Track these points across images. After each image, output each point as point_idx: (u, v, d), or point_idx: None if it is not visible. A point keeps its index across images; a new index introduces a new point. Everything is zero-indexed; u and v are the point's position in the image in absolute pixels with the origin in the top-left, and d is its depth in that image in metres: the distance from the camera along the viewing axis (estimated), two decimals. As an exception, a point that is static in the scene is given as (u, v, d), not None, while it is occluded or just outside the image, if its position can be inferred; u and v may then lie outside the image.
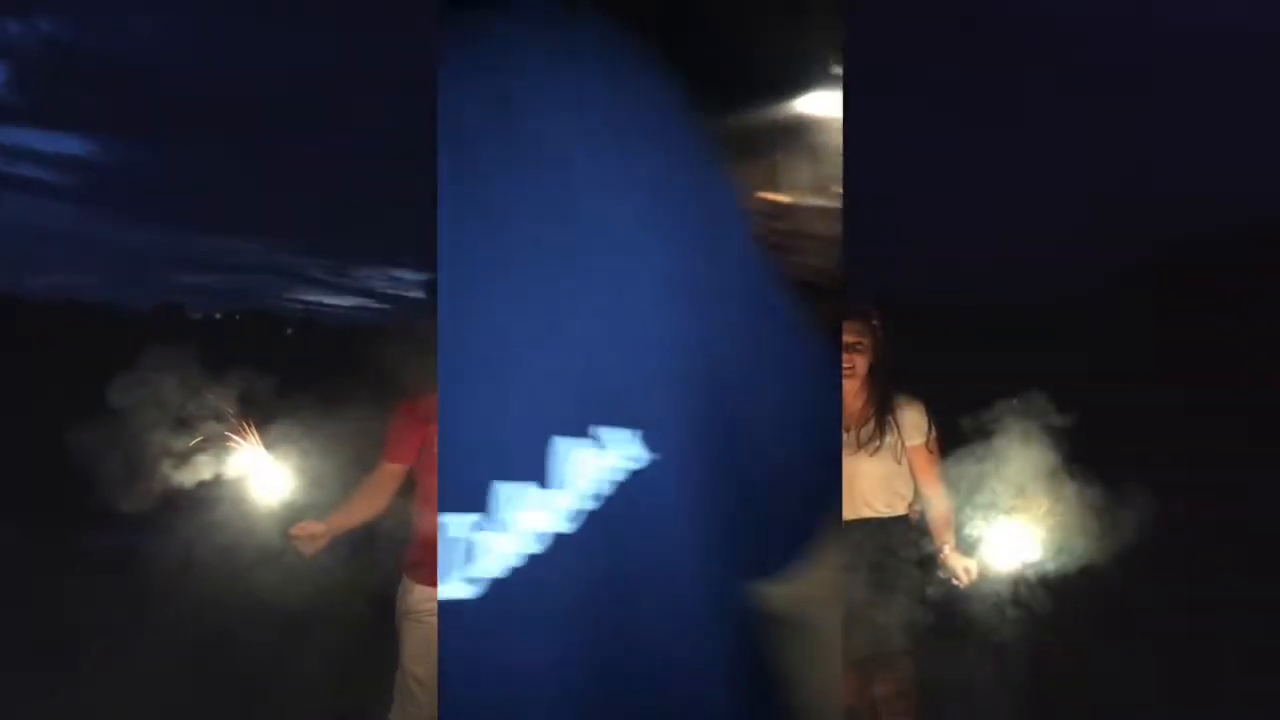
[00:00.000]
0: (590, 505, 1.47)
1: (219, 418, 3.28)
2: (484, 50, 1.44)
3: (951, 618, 3.30)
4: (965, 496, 3.25)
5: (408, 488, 3.44)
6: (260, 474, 3.34)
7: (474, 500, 1.43)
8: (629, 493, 1.49)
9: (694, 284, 1.48)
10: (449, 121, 1.42)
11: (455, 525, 1.45)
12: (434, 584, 3.36)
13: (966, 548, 3.31)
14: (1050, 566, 3.10)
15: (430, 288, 3.64)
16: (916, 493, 3.55)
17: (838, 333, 3.29)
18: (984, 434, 3.18)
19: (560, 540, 1.47)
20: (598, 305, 1.43)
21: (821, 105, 3.87)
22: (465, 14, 1.49)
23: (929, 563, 3.42)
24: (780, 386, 1.60)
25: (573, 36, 1.51)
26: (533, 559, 1.46)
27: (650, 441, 1.48)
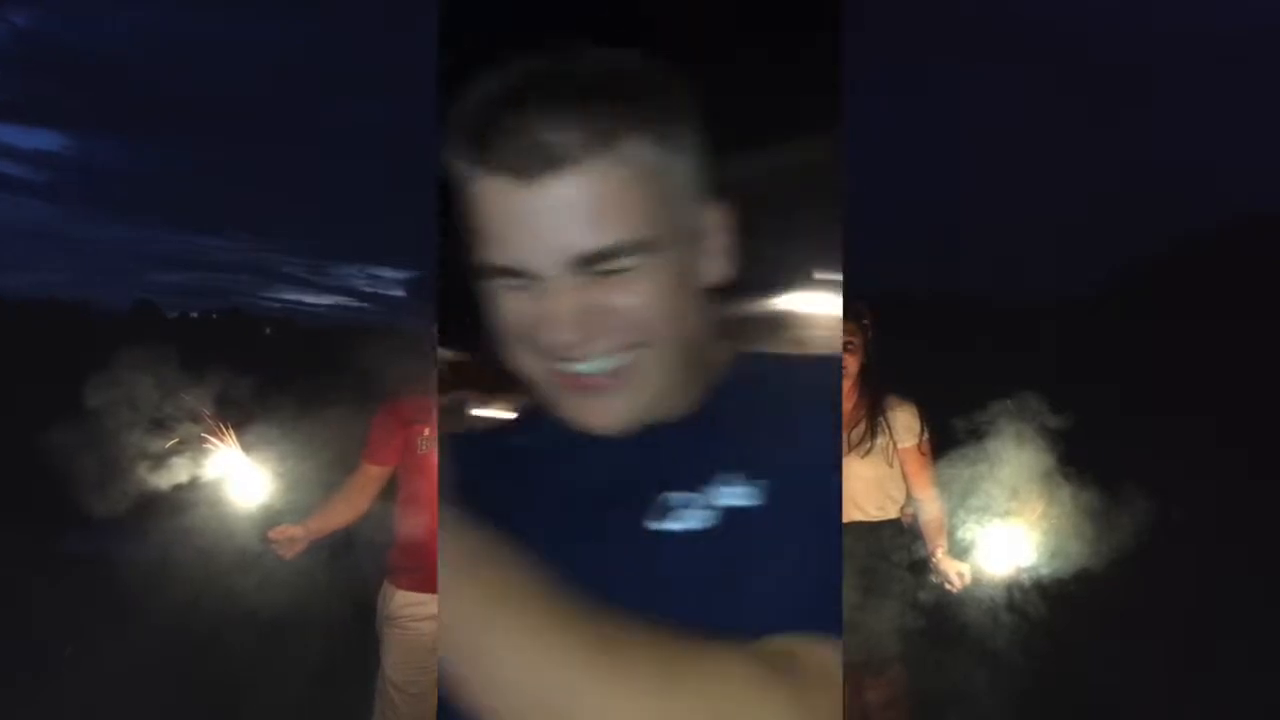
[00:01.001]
0: None
1: (195, 419, 3.27)
2: None
3: (944, 623, 3.31)
4: (958, 499, 3.25)
5: (389, 490, 3.44)
6: (238, 476, 3.34)
7: None
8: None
9: None
10: None
11: None
12: (416, 589, 3.36)
13: (959, 552, 3.31)
14: (1045, 571, 3.10)
15: (411, 286, 3.63)
16: (908, 496, 3.55)
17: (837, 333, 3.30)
18: (977, 436, 3.18)
19: None
20: None
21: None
22: None
23: (921, 567, 3.43)
24: None
25: None
26: None
27: None
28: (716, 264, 1.73)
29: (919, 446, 3.52)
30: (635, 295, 1.60)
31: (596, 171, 1.54)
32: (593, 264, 1.56)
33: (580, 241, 1.55)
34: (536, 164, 1.52)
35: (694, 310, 1.69)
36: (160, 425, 3.23)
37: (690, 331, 1.68)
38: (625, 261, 1.57)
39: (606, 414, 1.67)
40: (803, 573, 1.50)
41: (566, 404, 1.68)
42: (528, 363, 1.67)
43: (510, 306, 1.63)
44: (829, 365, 1.88)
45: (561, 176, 1.53)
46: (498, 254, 1.60)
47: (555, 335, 1.58)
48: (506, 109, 1.55)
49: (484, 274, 1.62)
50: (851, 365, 3.51)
